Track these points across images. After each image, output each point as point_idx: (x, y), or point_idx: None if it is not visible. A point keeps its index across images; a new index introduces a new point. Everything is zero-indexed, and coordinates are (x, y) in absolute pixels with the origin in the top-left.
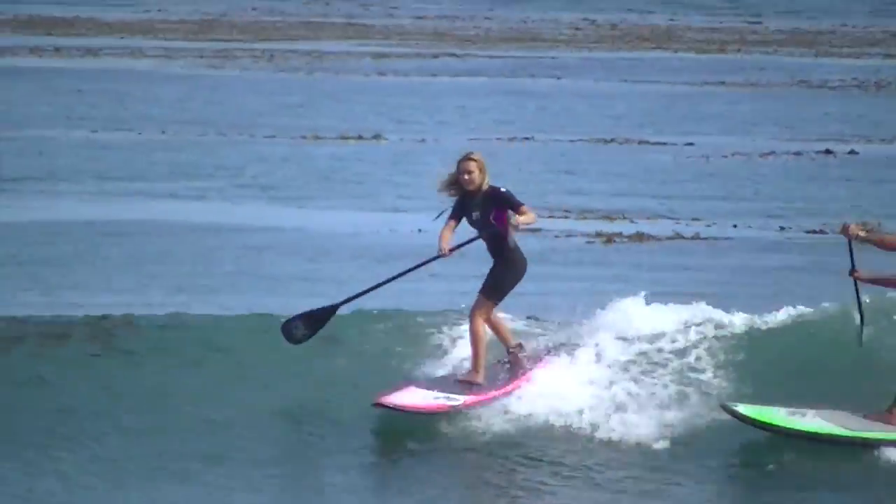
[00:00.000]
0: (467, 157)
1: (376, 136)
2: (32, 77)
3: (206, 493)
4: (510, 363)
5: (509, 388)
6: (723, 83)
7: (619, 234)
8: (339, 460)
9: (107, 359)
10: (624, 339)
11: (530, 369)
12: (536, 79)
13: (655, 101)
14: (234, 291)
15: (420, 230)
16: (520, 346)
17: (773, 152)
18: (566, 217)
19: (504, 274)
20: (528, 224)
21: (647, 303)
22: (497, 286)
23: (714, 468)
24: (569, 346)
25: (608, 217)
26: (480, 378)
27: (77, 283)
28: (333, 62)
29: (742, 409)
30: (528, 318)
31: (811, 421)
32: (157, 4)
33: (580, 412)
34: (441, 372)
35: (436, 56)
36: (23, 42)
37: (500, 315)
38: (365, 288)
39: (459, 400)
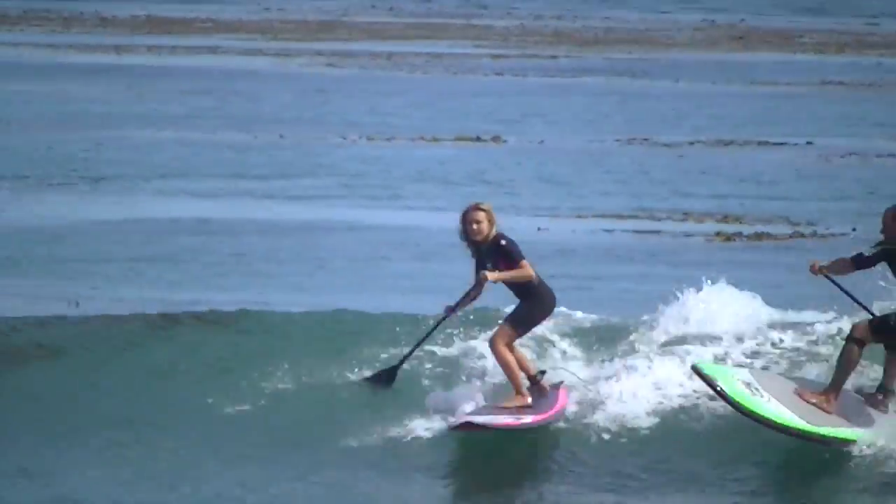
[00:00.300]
0: (476, 207)
1: (495, 138)
2: (149, 76)
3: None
4: (536, 391)
5: (559, 406)
6: (842, 83)
7: (739, 235)
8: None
9: (210, 350)
10: (739, 338)
11: (562, 391)
12: (654, 80)
13: (775, 102)
14: (343, 290)
15: (539, 228)
16: (542, 372)
17: (891, 154)
18: (685, 219)
19: (532, 309)
20: (504, 280)
21: (761, 304)
22: (524, 320)
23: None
24: (676, 344)
25: (727, 218)
26: (528, 399)
27: (184, 280)
28: (452, 62)
29: (717, 377)
30: (647, 316)
31: (769, 406)
32: (276, 4)
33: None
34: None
35: (554, 57)
36: (140, 41)
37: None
38: (410, 348)
39: (528, 418)
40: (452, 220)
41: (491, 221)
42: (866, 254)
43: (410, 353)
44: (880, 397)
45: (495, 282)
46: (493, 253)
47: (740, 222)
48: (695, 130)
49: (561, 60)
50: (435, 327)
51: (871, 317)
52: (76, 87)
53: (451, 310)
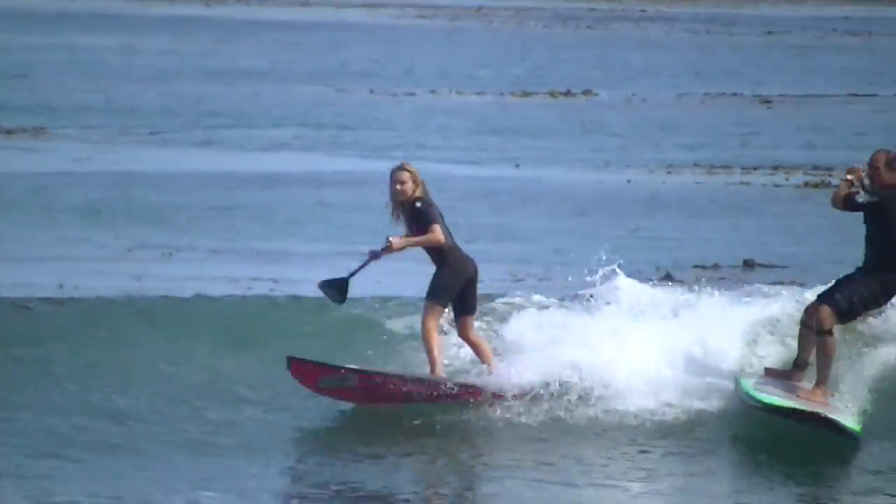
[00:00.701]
0: (401, 167)
1: (586, 92)
2: (236, 28)
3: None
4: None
5: (472, 394)
6: None
7: (828, 184)
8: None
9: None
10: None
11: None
12: (744, 35)
13: (863, 54)
14: None
15: (629, 181)
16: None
17: None
18: (774, 172)
19: (444, 276)
20: (410, 245)
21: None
22: (440, 288)
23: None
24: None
25: (816, 168)
26: (437, 374)
27: (256, 232)
28: (542, 16)
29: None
30: (745, 262)
31: (835, 416)
32: None
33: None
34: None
35: (643, 11)
36: None
37: (480, 336)
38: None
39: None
40: (536, 174)
41: (416, 182)
42: (859, 200)
43: (356, 272)
44: (800, 372)
45: (402, 248)
46: (410, 214)
47: (829, 173)
48: (784, 83)
49: (650, 13)
50: (361, 267)
51: (822, 303)
52: (164, 40)
53: (374, 255)
